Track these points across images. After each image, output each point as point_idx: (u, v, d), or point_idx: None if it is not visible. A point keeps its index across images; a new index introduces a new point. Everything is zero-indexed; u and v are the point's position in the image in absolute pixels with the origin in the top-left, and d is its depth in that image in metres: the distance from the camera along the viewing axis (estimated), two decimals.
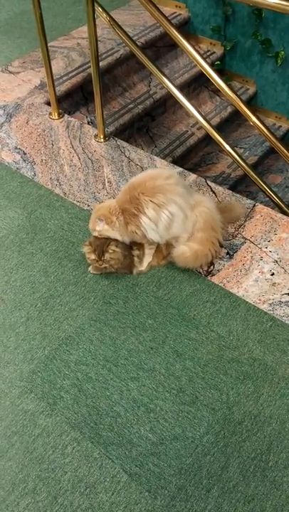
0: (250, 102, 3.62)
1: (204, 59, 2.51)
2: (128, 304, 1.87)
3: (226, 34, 3.45)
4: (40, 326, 1.79)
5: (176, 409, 1.59)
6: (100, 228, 1.84)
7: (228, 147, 2.45)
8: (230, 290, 1.91)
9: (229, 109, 3.42)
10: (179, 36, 2.49)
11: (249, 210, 2.21)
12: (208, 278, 1.96)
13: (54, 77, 2.71)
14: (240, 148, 3.41)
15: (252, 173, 2.42)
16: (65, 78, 2.92)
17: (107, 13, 2.47)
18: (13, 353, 1.72)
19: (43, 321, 1.81)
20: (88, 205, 2.21)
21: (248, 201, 2.25)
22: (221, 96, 3.53)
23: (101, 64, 3.00)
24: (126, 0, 3.71)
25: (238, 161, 2.43)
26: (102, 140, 2.53)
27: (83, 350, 1.73)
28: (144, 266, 1.97)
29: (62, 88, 2.85)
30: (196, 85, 3.49)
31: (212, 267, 2.00)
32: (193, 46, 2.49)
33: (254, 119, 2.52)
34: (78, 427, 1.54)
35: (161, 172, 1.91)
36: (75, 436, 1.52)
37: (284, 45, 3.24)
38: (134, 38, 3.27)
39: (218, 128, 3.34)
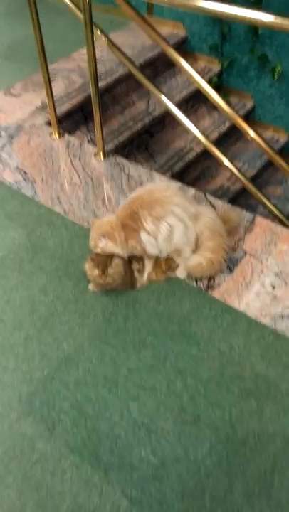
0: (248, 116, 3.57)
1: (201, 76, 2.46)
2: (128, 321, 1.79)
3: (223, 51, 3.41)
4: (39, 347, 1.72)
5: (177, 429, 1.50)
6: (102, 245, 1.78)
7: (226, 161, 2.39)
8: (231, 304, 1.83)
9: (227, 124, 3.36)
10: (176, 55, 2.45)
11: (249, 222, 2.13)
12: (209, 292, 1.88)
13: (55, 98, 2.69)
14: (239, 161, 3.35)
15: (250, 186, 2.36)
16: (65, 99, 2.89)
17: (106, 36, 2.45)
18: (11, 374, 1.64)
19: (42, 341, 1.74)
20: (88, 223, 2.15)
21: (248, 214, 2.18)
22: (220, 112, 3.48)
23: (100, 84, 2.97)
24: (124, 22, 3.69)
25: (236, 175, 2.36)
26: (101, 158, 2.48)
27: (83, 370, 1.66)
28: (144, 277, 1.90)
29: (62, 108, 2.81)
30: (194, 101, 3.44)
31: (212, 281, 1.92)
32: (190, 65, 2.45)
33: (252, 133, 2.46)
34: (78, 451, 1.45)
35: (159, 185, 1.84)
36: (74, 461, 1.43)
37: (280, 60, 3.19)
38: (133, 58, 3.24)
39: (217, 142, 3.30)
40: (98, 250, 1.80)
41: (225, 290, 1.88)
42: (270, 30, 3.10)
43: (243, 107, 3.52)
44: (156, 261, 1.89)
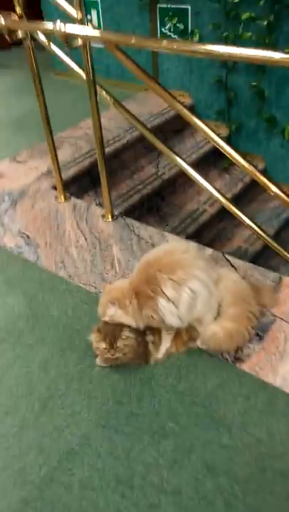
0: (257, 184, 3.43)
1: (216, 133, 2.32)
2: (143, 403, 1.47)
3: (230, 116, 3.35)
4: (36, 437, 1.39)
5: None
6: (111, 313, 1.51)
7: (246, 219, 2.17)
8: (265, 379, 1.51)
9: (240, 185, 3.21)
10: (189, 114, 2.31)
11: (275, 283, 1.86)
12: (237, 365, 1.57)
13: (62, 163, 2.57)
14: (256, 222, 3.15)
15: (274, 243, 2.12)
16: (72, 164, 2.77)
17: (114, 99, 2.34)
18: (0, 475, 1.31)
19: (40, 430, 1.41)
20: (95, 287, 1.89)
21: (272, 274, 1.92)
22: (231, 173, 3.35)
23: (108, 149, 2.87)
24: (130, 95, 3.70)
25: (257, 232, 2.13)
26: (109, 219, 2.29)
27: (89, 468, 1.31)
28: (161, 353, 1.60)
29: (69, 172, 2.68)
30: (204, 165, 3.32)
31: (240, 351, 1.62)
32: (203, 122, 2.32)
33: (273, 188, 2.26)
34: None
35: (178, 245, 1.61)
36: None
37: None
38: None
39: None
40: (107, 319, 1.53)
41: (256, 362, 1.57)
42: (277, 91, 3.05)
43: (255, 168, 3.38)
44: (177, 331, 1.61)
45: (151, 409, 1.45)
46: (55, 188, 2.54)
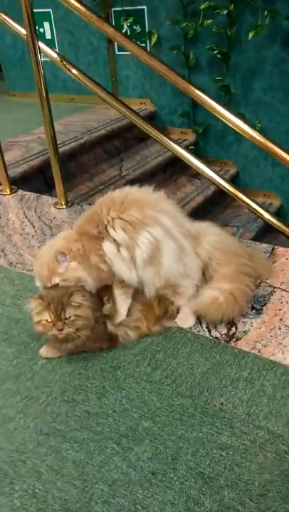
0: (234, 181, 3.19)
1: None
2: (105, 400, 1.04)
3: (195, 120, 3.16)
4: None
5: None
6: (63, 269, 1.10)
7: (246, 199, 1.87)
8: (272, 358, 1.12)
9: (212, 188, 2.94)
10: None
11: (268, 254, 1.52)
12: (232, 344, 1.17)
13: (10, 162, 2.27)
14: (233, 227, 2.85)
15: (277, 222, 1.81)
16: (21, 162, 2.44)
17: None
18: None
19: None
20: (37, 285, 1.50)
21: (264, 245, 1.58)
22: (201, 178, 3.10)
23: (65, 148, 2.58)
24: (88, 106, 3.48)
25: (258, 212, 1.83)
26: (63, 206, 1.93)
27: (22, 496, 0.86)
28: (122, 314, 1.16)
29: (18, 170, 2.34)
30: (173, 171, 3.06)
31: (234, 328, 1.23)
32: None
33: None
34: None
35: (142, 189, 1.25)
36: None
37: (259, 118, 2.91)
38: (99, 128, 2.94)
39: (204, 210, 2.84)
40: (56, 280, 1.12)
41: (257, 338, 1.18)
42: (244, 88, 2.89)
43: (226, 174, 3.15)
44: (146, 302, 1.21)
45: (116, 406, 1.02)
46: (0, 183, 2.19)
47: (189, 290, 1.20)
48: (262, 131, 2.90)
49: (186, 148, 3.13)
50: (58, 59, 1.80)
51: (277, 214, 3.07)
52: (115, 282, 1.15)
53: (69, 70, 1.78)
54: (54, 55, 1.81)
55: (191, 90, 1.64)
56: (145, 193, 1.17)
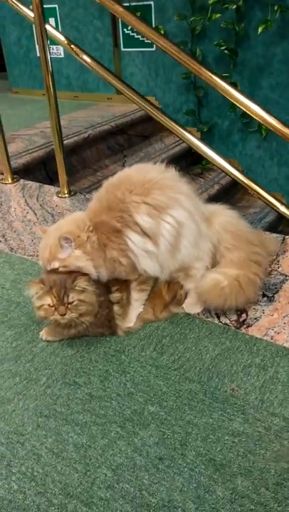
0: (236, 186, 3.16)
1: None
2: (109, 383, 0.99)
3: (200, 118, 3.13)
4: None
5: None
6: (65, 255, 1.05)
7: (260, 190, 1.84)
8: (286, 344, 1.07)
9: (216, 187, 2.91)
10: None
11: (280, 243, 1.48)
12: (242, 331, 1.12)
13: (13, 154, 2.25)
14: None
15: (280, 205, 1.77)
16: (24, 154, 2.41)
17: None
18: None
19: None
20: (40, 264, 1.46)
21: (275, 235, 1.54)
22: (205, 178, 3.07)
23: (68, 141, 2.54)
24: (91, 104, 3.47)
25: (272, 204, 1.79)
26: (66, 195, 1.89)
27: (20, 479, 0.80)
28: (131, 320, 1.14)
29: (20, 161, 2.30)
30: (177, 169, 3.03)
31: (245, 314, 1.18)
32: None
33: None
34: None
35: (152, 165, 1.20)
36: None
37: None
38: (103, 124, 2.91)
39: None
40: (56, 265, 1.07)
41: (269, 325, 1.13)
42: (251, 85, 2.86)
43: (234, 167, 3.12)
44: (154, 289, 1.16)
45: (120, 389, 0.97)
46: (1, 173, 2.15)
47: (200, 272, 1.15)
48: (267, 131, 2.91)
49: (190, 147, 3.13)
50: (66, 42, 1.77)
51: (282, 216, 3.03)
52: (135, 283, 1.11)
53: (77, 55, 1.75)
54: (62, 38, 1.77)
55: (203, 72, 1.60)
56: (161, 173, 1.13)
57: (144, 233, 1.06)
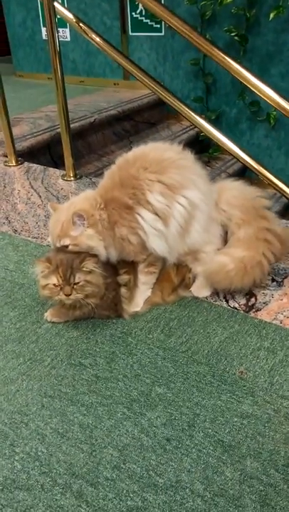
0: (243, 175, 3.12)
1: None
2: (115, 364, 0.98)
3: (208, 105, 3.10)
4: None
5: None
6: (77, 233, 1.03)
7: (272, 177, 1.82)
8: None
9: (223, 176, 2.88)
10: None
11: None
12: (252, 315, 1.11)
13: (18, 136, 2.22)
14: None
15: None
16: (28, 136, 2.38)
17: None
18: None
19: None
20: (49, 240, 1.44)
21: (284, 221, 1.52)
22: (213, 166, 3.04)
23: (74, 125, 2.51)
24: (97, 89, 3.43)
25: (284, 191, 1.77)
26: (72, 179, 1.87)
27: (24, 458, 0.79)
28: (138, 305, 1.13)
29: (25, 144, 2.27)
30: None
31: (253, 298, 1.16)
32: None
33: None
34: None
35: (168, 145, 1.18)
36: None
37: None
38: (110, 109, 2.88)
39: None
40: (66, 242, 1.05)
41: (278, 309, 1.11)
42: (260, 72, 2.81)
43: (236, 163, 3.08)
44: (162, 272, 1.15)
45: (127, 371, 0.96)
46: (5, 156, 2.13)
47: (210, 256, 1.13)
48: (276, 120, 2.88)
49: (197, 133, 3.10)
50: (74, 20, 1.74)
51: (288, 207, 3.01)
52: (143, 265, 1.09)
53: (86, 34, 1.72)
54: (70, 15, 1.74)
55: (215, 53, 1.57)
56: (179, 153, 1.10)
57: (156, 212, 1.04)
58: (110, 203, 1.05)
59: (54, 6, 1.61)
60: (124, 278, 1.10)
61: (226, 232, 1.16)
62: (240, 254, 1.10)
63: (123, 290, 1.10)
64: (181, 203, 1.04)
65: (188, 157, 1.11)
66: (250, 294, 1.16)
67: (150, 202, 1.03)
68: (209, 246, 1.13)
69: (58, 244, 1.06)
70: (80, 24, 1.73)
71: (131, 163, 1.07)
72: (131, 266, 1.11)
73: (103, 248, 1.04)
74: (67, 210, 1.05)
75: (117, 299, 1.10)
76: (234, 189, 1.18)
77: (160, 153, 1.07)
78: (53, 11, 1.61)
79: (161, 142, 1.16)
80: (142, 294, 1.13)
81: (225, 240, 1.16)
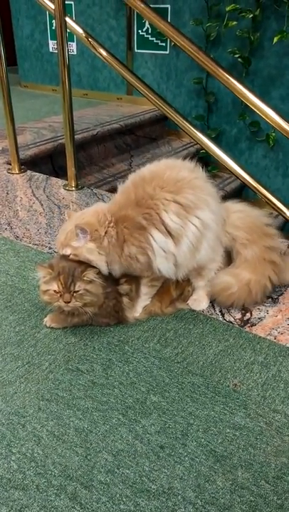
0: (240, 194, 3.18)
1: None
2: (112, 371, 1.00)
3: (209, 124, 3.17)
4: None
5: None
6: (78, 244, 1.06)
7: (269, 195, 1.87)
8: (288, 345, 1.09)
9: (221, 193, 2.93)
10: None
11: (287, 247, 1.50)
12: (246, 329, 1.14)
13: (21, 145, 2.26)
14: None
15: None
16: (32, 146, 2.42)
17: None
18: None
19: None
20: (50, 248, 1.46)
21: (281, 240, 1.56)
22: (215, 179, 3.09)
23: (77, 137, 2.52)
24: (100, 102, 3.50)
25: (280, 210, 1.82)
26: (73, 188, 1.90)
27: (19, 460, 0.81)
28: (136, 311, 1.15)
29: (28, 153, 2.31)
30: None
31: (249, 314, 1.19)
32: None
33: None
34: None
35: (182, 162, 1.20)
36: None
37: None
38: (112, 122, 2.93)
39: None
40: (68, 252, 1.08)
41: (273, 325, 1.14)
42: (261, 94, 2.88)
43: (234, 181, 3.14)
44: (163, 284, 1.17)
45: (123, 378, 0.98)
46: (9, 163, 2.16)
47: (212, 273, 1.17)
48: (275, 141, 2.94)
49: (198, 150, 3.16)
50: (84, 35, 1.79)
51: (284, 226, 3.06)
52: (147, 279, 1.12)
53: (94, 48, 1.77)
54: (80, 30, 1.80)
55: (220, 73, 1.62)
56: (192, 172, 1.12)
57: (168, 232, 1.05)
58: (122, 221, 1.06)
59: (66, 20, 1.67)
60: (125, 288, 1.13)
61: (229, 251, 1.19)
62: (246, 277, 1.14)
63: (125, 300, 1.13)
64: (194, 224, 1.06)
65: (201, 176, 1.13)
66: (245, 309, 1.19)
67: (165, 222, 1.05)
68: (213, 263, 1.16)
69: (60, 252, 1.08)
70: (89, 39, 1.78)
71: (147, 181, 1.08)
72: (132, 277, 1.14)
73: (103, 263, 1.06)
74: (76, 220, 1.08)
75: (118, 307, 1.12)
76: (239, 211, 1.21)
77: (176, 172, 1.09)
78: (64, 25, 1.66)
79: (174, 159, 1.19)
80: (141, 302, 1.16)
81: (229, 257, 1.19)
